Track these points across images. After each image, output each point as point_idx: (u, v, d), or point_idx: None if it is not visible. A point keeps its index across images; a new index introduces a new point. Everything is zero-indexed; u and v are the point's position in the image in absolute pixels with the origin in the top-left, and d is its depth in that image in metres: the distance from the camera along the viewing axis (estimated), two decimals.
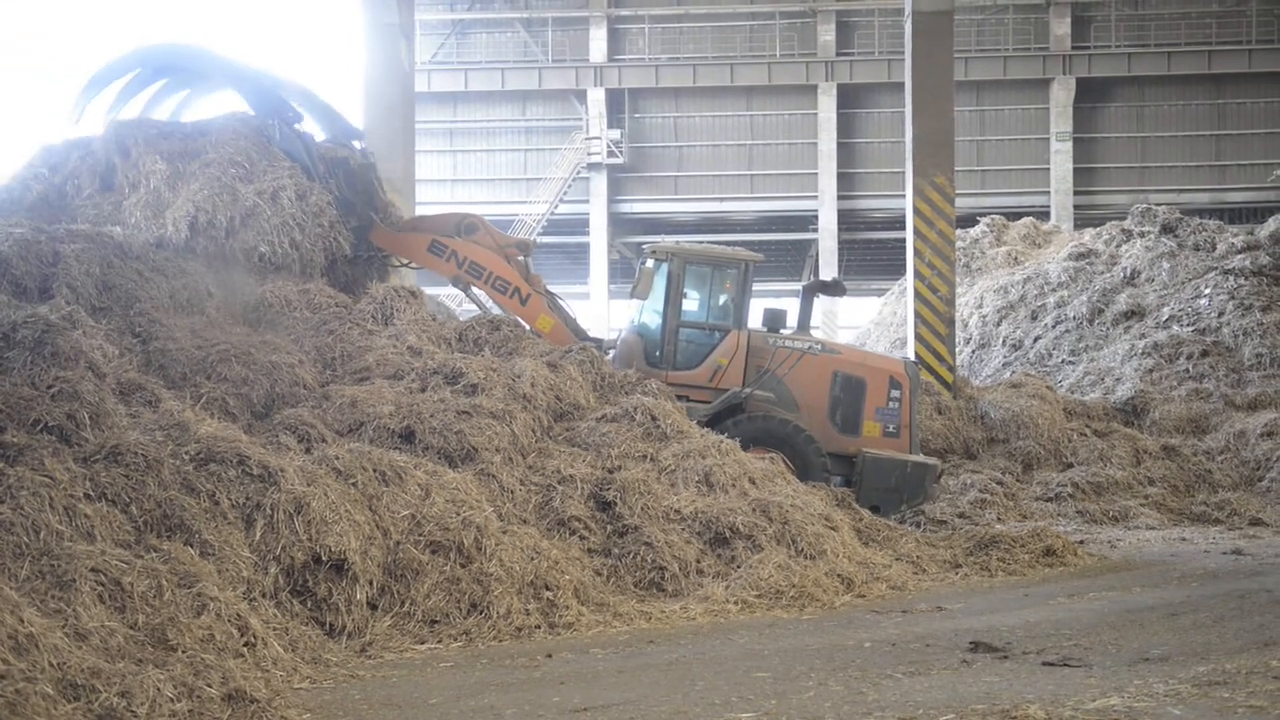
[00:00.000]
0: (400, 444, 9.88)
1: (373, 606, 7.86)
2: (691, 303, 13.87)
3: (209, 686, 5.74)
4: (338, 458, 8.53)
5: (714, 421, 12.96)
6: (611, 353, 14.19)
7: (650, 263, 13.73)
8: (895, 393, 13.52)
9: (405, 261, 14.48)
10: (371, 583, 7.86)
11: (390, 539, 8.20)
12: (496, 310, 13.87)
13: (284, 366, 10.57)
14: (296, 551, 7.56)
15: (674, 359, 13.55)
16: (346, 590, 7.67)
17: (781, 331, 13.83)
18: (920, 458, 14.01)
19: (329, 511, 7.78)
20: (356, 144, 14.95)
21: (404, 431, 10.05)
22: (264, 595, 7.31)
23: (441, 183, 42.01)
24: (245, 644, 6.54)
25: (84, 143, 13.41)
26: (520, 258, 14.22)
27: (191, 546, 7.11)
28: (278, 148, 13.38)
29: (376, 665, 7.24)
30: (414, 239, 14.21)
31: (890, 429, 13.50)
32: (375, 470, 8.60)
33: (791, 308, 14.56)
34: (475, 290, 14.15)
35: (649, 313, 14.00)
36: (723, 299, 13.90)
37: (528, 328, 13.72)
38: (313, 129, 14.31)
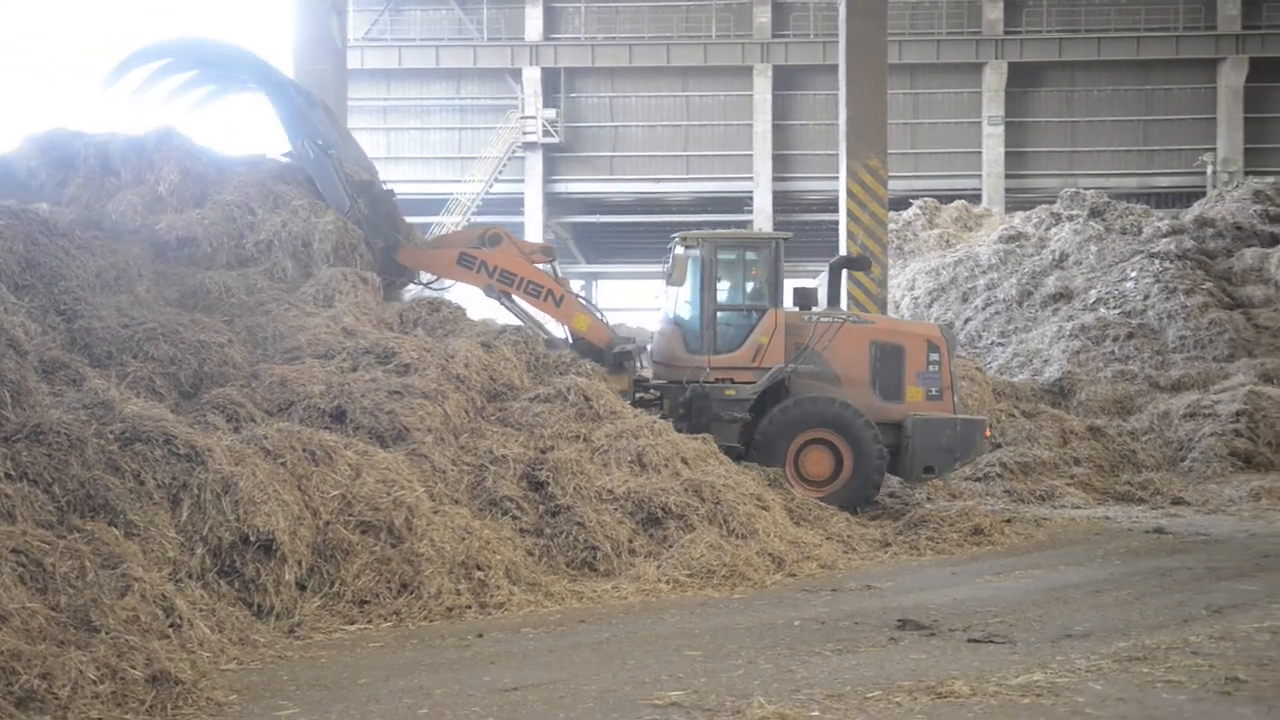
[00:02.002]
0: (331, 424, 9.80)
1: (301, 587, 7.80)
2: (726, 286, 14.00)
3: (133, 668, 5.68)
4: (266, 437, 8.45)
5: (762, 399, 13.30)
6: (648, 346, 14.38)
7: (681, 250, 13.83)
8: (934, 356, 13.70)
9: (434, 279, 14.37)
10: (300, 563, 7.80)
11: (320, 519, 8.14)
12: (534, 316, 14.05)
13: (213, 345, 10.42)
14: (224, 532, 7.48)
15: (714, 343, 13.65)
16: (275, 571, 7.60)
17: (813, 309, 13.99)
18: (968, 415, 14.34)
19: (257, 491, 7.71)
20: None
21: (335, 411, 9.97)
22: (190, 576, 7.23)
23: (375, 161, 41.53)
24: (170, 625, 6.46)
25: (83, 135, 13.31)
26: (544, 264, 14.19)
27: (116, 527, 7.02)
28: (309, 167, 13.61)
29: (305, 646, 7.18)
30: (442, 254, 14.15)
31: (933, 392, 13.67)
32: (305, 450, 8.52)
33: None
34: (512, 298, 14.05)
35: (683, 301, 14.10)
36: (757, 279, 14.00)
37: (564, 329, 13.99)
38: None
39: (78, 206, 12.34)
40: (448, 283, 14.34)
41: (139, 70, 14.00)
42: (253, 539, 7.56)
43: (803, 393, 13.46)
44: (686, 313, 13.99)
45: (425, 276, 14.43)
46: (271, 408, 9.85)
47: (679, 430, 13.22)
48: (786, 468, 13.00)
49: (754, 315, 13.73)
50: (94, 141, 13.12)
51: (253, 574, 7.54)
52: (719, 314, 13.74)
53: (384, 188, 14.45)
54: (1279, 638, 7.12)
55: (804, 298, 14.07)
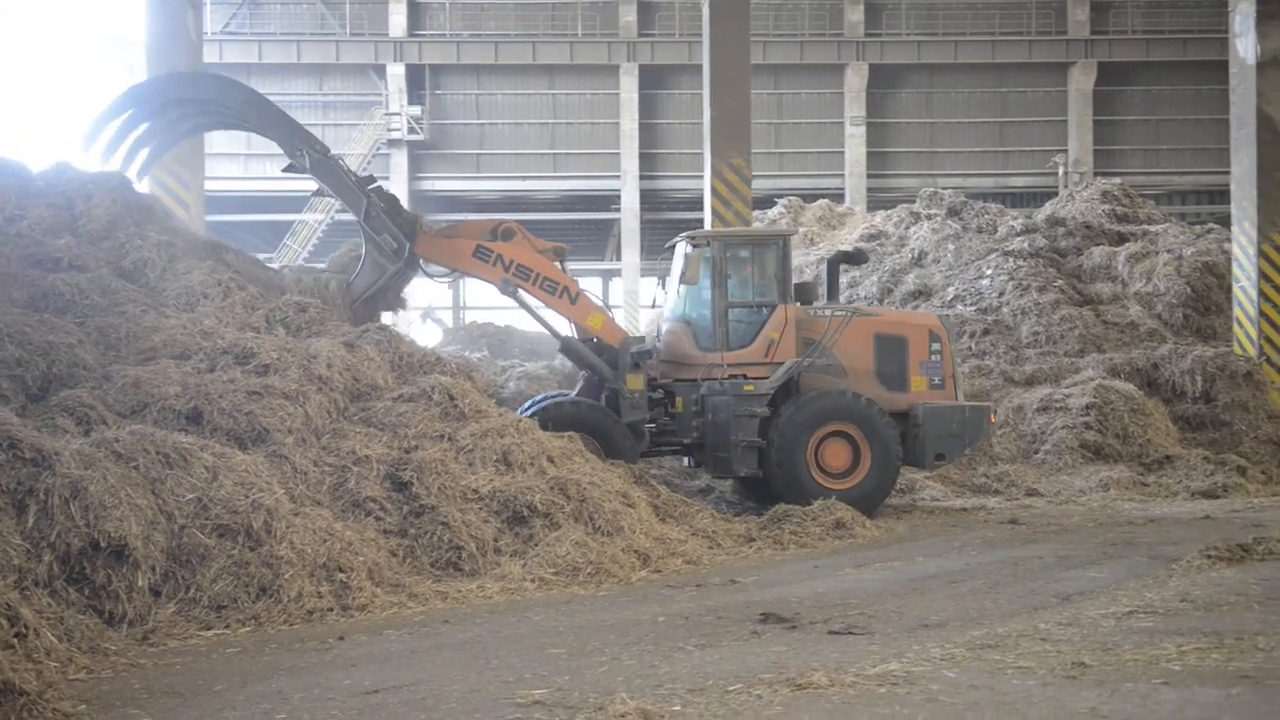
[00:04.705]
0: (187, 426, 9.53)
1: (156, 593, 7.61)
2: (737, 283, 14.08)
3: None
4: (118, 440, 8.20)
5: (778, 393, 13.44)
6: (656, 345, 14.43)
7: (692, 249, 13.97)
8: (936, 345, 14.01)
9: (448, 272, 14.19)
10: (154, 568, 7.60)
11: (175, 523, 7.94)
12: (542, 314, 14.17)
13: (62, 346, 10.08)
14: (73, 537, 7.26)
15: (727, 340, 13.79)
16: (127, 577, 7.40)
17: (815, 303, 14.26)
18: (974, 402, 14.86)
19: (108, 496, 7.50)
20: None
21: (191, 413, 9.70)
22: (37, 584, 7.01)
23: (235, 157, 40.75)
24: (15, 635, 6.22)
25: None
26: (556, 263, 14.06)
27: None
28: (315, 175, 13.62)
29: (159, 653, 7.01)
30: (459, 244, 13.87)
31: (936, 381, 13.97)
32: (158, 453, 8.30)
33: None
34: (523, 294, 13.92)
35: (693, 299, 14.21)
36: (765, 276, 14.11)
37: (573, 327, 13.98)
38: None
39: None
40: (449, 275, 14.25)
41: (112, 125, 13.55)
42: (103, 545, 7.35)
43: (811, 387, 13.66)
44: (697, 311, 14.14)
45: (434, 269, 14.22)
46: (124, 410, 9.56)
47: (693, 428, 13.56)
48: (807, 461, 13.23)
49: (764, 311, 13.89)
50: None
51: (104, 580, 7.33)
52: (730, 311, 13.89)
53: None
54: (1123, 623, 7.37)
55: (805, 292, 14.30)
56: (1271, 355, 19.41)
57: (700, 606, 8.42)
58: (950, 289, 22.74)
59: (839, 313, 14.06)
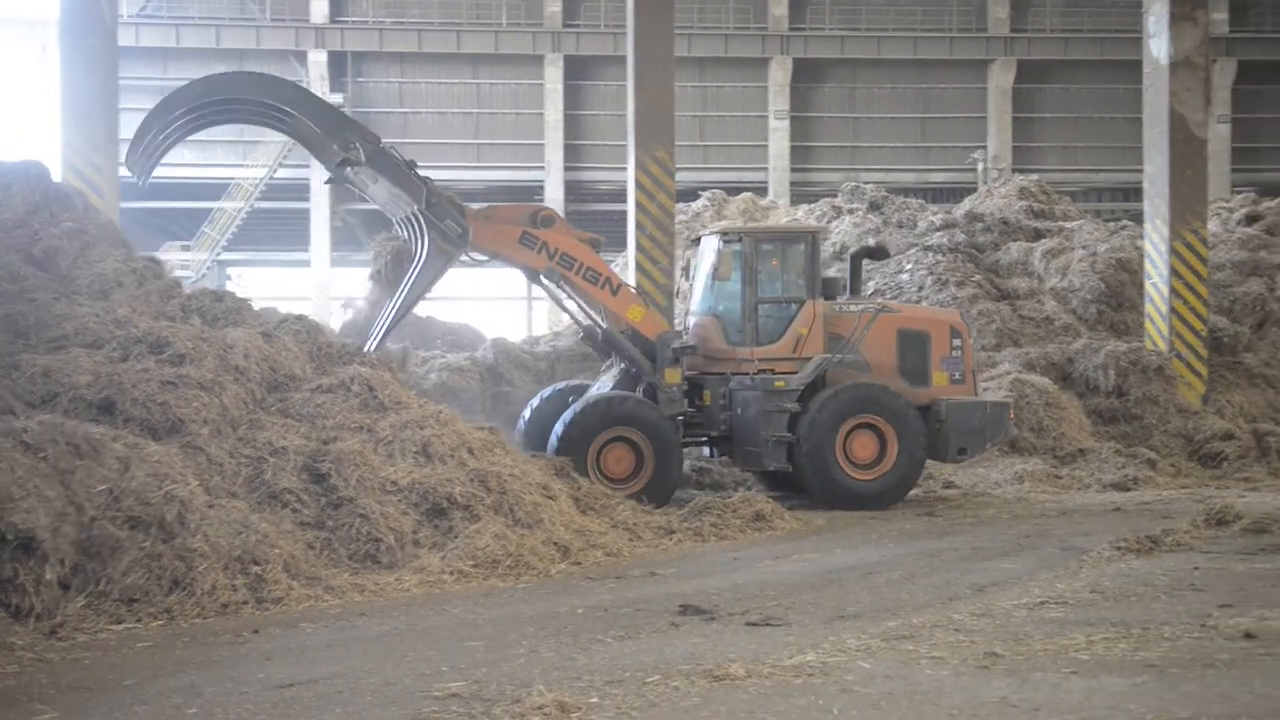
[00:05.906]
0: (99, 416, 9.37)
1: (65, 586, 7.45)
2: (766, 278, 14.12)
3: None
4: (26, 430, 8.01)
5: (806, 388, 13.55)
6: (684, 338, 14.41)
7: (722, 244, 14.01)
8: (956, 341, 14.24)
9: (488, 257, 14.03)
10: (63, 561, 7.44)
11: (85, 515, 7.77)
12: (573, 307, 14.31)
13: None
14: None
15: (756, 335, 13.88)
16: (35, 570, 7.23)
17: (840, 299, 14.39)
18: (994, 398, 15.06)
19: (15, 487, 7.33)
20: None
21: (103, 403, 9.53)
22: None
23: None
24: None
25: None
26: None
27: None
28: (374, 167, 13.14)
29: (67, 648, 6.88)
30: (506, 229, 13.78)
31: (956, 376, 14.21)
32: (68, 443, 8.11)
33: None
34: (547, 283, 13.87)
35: (722, 293, 14.23)
36: (794, 271, 14.15)
37: (609, 317, 13.90)
38: None
39: None
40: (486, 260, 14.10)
41: (154, 136, 13.22)
42: (10, 537, 7.17)
43: (836, 381, 13.75)
44: (725, 305, 14.21)
45: (475, 254, 13.98)
46: (33, 399, 9.36)
47: (721, 421, 13.67)
48: (836, 452, 13.38)
49: (792, 307, 13.98)
50: None
51: (10, 574, 7.15)
52: (760, 306, 13.96)
53: None
54: (1034, 614, 7.51)
55: (830, 287, 14.39)
56: (1182, 350, 19.81)
57: (619, 599, 8.44)
58: (871, 283, 22.91)
59: (861, 309, 14.20)
